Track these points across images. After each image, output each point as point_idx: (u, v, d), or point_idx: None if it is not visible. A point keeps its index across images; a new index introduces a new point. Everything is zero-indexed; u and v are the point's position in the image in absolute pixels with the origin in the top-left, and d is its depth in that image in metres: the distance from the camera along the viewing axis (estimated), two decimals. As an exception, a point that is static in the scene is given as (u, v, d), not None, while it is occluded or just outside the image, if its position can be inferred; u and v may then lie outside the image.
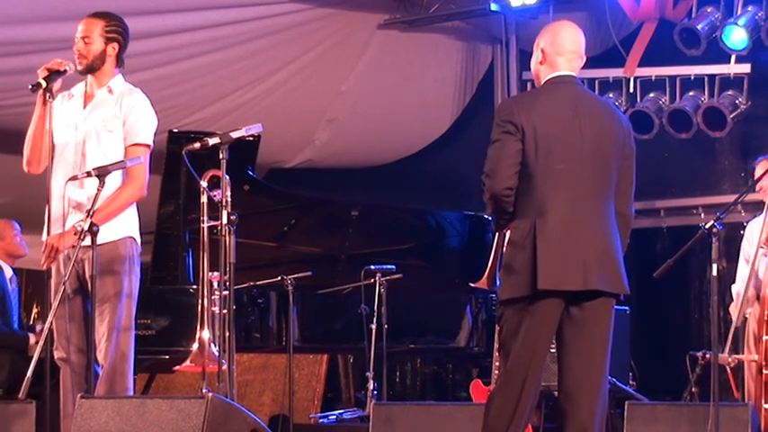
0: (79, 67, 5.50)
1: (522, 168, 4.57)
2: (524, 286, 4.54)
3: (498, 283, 4.81)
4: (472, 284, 5.08)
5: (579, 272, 4.55)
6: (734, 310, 6.97)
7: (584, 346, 4.63)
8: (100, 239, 5.27)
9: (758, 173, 6.96)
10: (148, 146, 5.55)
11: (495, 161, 4.58)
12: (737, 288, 7.06)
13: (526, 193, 4.57)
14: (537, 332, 4.59)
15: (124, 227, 5.48)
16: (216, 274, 5.54)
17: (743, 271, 7.06)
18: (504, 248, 4.70)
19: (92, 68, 5.54)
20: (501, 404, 4.61)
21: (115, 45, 5.56)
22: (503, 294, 4.64)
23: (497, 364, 7.06)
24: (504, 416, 4.59)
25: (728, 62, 8.81)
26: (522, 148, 4.56)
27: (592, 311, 4.62)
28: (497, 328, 4.72)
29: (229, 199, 5.42)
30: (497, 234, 4.93)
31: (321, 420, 8.78)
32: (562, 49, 4.72)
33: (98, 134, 5.48)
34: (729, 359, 6.79)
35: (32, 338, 7.85)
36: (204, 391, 5.49)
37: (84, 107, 5.55)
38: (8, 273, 7.97)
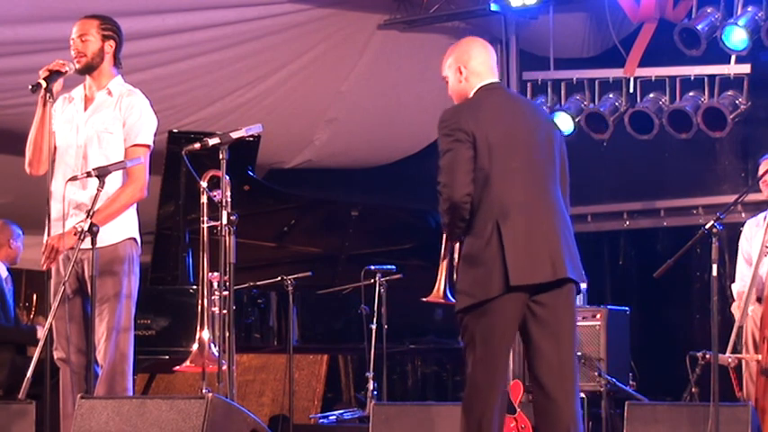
0: (78, 66, 5.50)
1: (477, 173, 4.63)
2: (494, 287, 4.57)
3: (451, 294, 4.85)
4: (425, 299, 5.09)
5: (547, 263, 4.62)
6: (735, 309, 6.98)
7: (555, 336, 4.64)
8: (101, 243, 5.27)
9: (761, 171, 6.96)
10: (148, 146, 5.55)
11: (450, 170, 4.65)
12: (738, 287, 7.07)
13: (484, 197, 4.63)
14: (503, 331, 4.63)
15: (124, 229, 5.48)
16: (216, 274, 5.54)
17: (742, 269, 7.06)
18: (464, 254, 4.71)
19: (91, 67, 5.54)
20: (477, 412, 4.63)
21: (112, 43, 5.56)
22: (466, 302, 4.65)
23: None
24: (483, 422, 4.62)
25: (728, 62, 8.80)
26: (475, 153, 4.63)
27: (558, 301, 4.65)
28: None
29: (229, 199, 5.42)
30: (445, 245, 4.95)
31: (321, 421, 8.78)
32: (481, 59, 4.88)
33: (99, 137, 5.48)
34: (729, 359, 6.79)
35: (41, 330, 7.85)
36: (204, 391, 5.49)
37: (85, 110, 5.55)
38: (3, 272, 7.98)
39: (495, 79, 4.89)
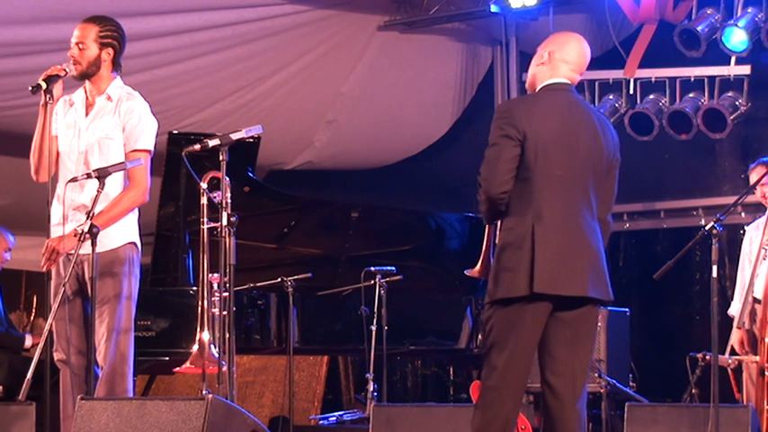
0: (74, 73, 5.48)
1: (521, 172, 4.58)
2: (520, 287, 4.54)
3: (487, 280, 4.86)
4: (467, 272, 5.12)
5: (576, 277, 4.58)
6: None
7: (572, 346, 4.63)
8: (101, 247, 5.27)
9: (753, 179, 6.96)
10: (149, 151, 5.54)
11: (492, 165, 4.60)
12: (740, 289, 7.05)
13: (524, 196, 4.59)
14: (527, 335, 4.59)
15: (125, 233, 5.48)
16: (216, 275, 5.54)
17: (746, 272, 7.04)
18: (498, 248, 4.71)
19: (86, 74, 5.51)
20: (494, 413, 4.61)
21: (110, 50, 5.52)
22: (495, 294, 4.62)
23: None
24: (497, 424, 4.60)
25: (728, 64, 8.81)
26: (522, 152, 4.57)
27: (580, 318, 4.64)
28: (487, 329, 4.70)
29: (229, 200, 5.42)
30: (487, 229, 4.96)
31: (321, 422, 8.78)
32: (569, 57, 4.80)
33: (100, 144, 5.47)
34: (729, 360, 6.80)
35: (29, 340, 7.84)
36: (204, 392, 5.49)
37: (86, 115, 5.53)
38: None
39: (569, 81, 4.79)
